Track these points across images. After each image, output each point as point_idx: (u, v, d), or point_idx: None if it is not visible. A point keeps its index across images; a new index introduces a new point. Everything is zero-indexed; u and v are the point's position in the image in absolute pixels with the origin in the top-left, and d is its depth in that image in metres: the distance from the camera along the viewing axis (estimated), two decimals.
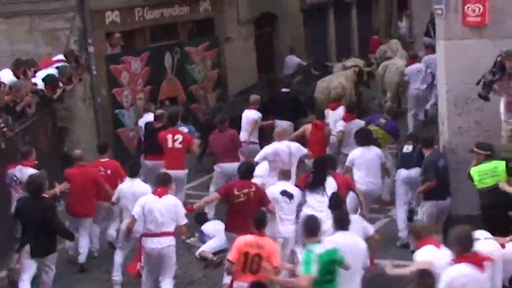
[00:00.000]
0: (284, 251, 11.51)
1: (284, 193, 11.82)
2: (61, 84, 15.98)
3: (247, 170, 11.84)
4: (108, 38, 18.26)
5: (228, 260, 9.86)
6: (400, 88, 20.54)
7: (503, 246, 9.83)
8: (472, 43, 13.10)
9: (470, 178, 11.96)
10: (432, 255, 9.03)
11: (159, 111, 16.21)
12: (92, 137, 17.16)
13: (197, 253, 13.30)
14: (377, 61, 22.04)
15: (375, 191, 13.52)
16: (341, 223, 9.73)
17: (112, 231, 13.59)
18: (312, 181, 12.07)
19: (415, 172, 13.39)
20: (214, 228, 13.46)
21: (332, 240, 9.52)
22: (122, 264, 12.31)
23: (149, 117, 16.37)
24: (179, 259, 12.09)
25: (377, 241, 11.11)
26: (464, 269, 8.40)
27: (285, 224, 11.73)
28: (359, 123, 15.60)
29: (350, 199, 12.58)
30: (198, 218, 13.89)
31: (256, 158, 13.74)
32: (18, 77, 14.91)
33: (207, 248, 13.23)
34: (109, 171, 13.40)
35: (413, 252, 9.56)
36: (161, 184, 11.28)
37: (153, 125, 15.57)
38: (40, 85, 15.50)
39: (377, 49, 23.92)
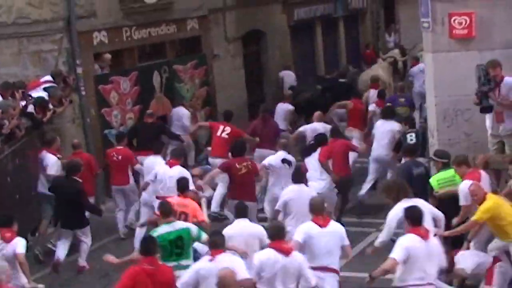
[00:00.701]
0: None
1: (284, 160, 14.47)
2: (51, 106, 15.94)
3: (241, 148, 14.54)
4: (96, 58, 18.25)
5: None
6: None
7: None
8: (460, 55, 13.17)
9: (430, 187, 12.05)
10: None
11: (149, 111, 17.91)
12: None
13: None
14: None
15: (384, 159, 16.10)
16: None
17: (131, 215, 15.66)
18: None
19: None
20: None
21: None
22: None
23: None
24: None
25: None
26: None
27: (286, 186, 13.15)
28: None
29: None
30: (214, 216, 14.17)
31: (300, 129, 17.31)
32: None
33: None
34: (120, 157, 15.61)
35: None
36: (173, 157, 14.14)
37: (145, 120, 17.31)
38: (30, 107, 15.46)
39: (370, 61, 25.46)
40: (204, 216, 11.96)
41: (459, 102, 13.14)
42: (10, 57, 17.28)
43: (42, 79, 16.48)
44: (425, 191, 12.14)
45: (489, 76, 12.32)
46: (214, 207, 14.77)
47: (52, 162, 14.81)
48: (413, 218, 9.77)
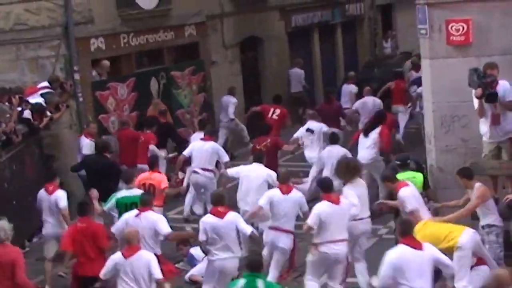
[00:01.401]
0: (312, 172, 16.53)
1: (308, 130, 17.29)
2: (48, 113, 15.94)
3: (262, 130, 16.78)
4: (94, 65, 18.26)
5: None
6: None
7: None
8: (457, 62, 13.15)
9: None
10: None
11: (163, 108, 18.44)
12: None
13: (186, 276, 13.24)
14: None
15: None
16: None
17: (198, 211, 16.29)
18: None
19: None
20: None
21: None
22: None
23: None
24: None
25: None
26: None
27: (311, 151, 17.08)
28: None
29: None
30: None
31: (355, 105, 19.88)
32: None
33: (197, 271, 13.15)
34: (142, 138, 16.67)
35: None
36: (207, 134, 16.05)
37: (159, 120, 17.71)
38: (26, 113, 15.46)
39: None
40: (166, 184, 13.82)
41: (456, 108, 13.13)
42: (7, 63, 17.31)
43: (40, 85, 16.50)
44: None
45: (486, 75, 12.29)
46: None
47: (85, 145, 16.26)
48: (324, 186, 11.54)
